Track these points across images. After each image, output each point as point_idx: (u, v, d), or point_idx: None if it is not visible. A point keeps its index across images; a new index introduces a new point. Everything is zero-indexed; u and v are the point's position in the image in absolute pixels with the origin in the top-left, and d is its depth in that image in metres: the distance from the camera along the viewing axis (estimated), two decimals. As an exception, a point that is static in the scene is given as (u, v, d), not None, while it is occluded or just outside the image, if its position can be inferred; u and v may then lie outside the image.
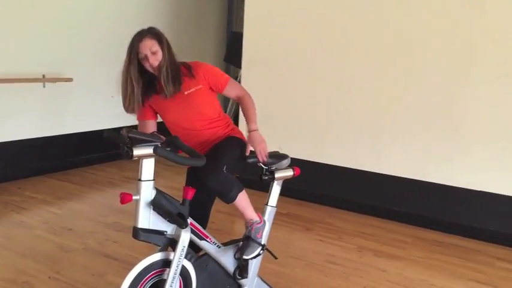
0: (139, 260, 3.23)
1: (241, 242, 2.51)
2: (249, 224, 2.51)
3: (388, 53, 4.26)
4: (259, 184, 2.66)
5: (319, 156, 4.63)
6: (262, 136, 2.44)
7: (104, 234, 3.68)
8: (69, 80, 5.17)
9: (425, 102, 4.14)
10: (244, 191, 2.46)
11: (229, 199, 2.40)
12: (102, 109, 5.73)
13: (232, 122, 2.67)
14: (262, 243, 2.52)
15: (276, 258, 2.66)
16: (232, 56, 6.20)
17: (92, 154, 5.67)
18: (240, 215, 2.51)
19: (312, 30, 4.59)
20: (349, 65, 4.46)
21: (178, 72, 2.37)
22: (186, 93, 2.39)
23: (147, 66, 2.34)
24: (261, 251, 2.51)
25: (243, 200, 2.46)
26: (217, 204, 3.30)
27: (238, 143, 2.54)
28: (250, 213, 2.50)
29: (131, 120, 6.27)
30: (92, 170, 5.47)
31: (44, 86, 5.02)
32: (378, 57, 4.31)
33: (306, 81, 4.69)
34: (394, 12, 4.19)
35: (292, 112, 4.80)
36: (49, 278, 2.95)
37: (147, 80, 2.41)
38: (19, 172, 4.92)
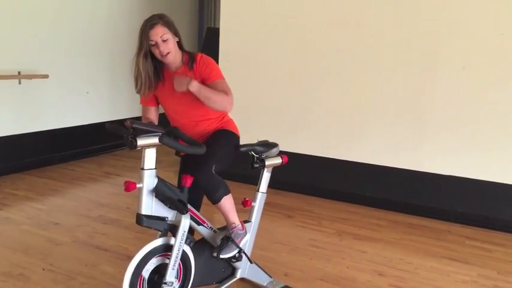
0: (128, 250, 3.35)
1: (219, 241, 2.55)
2: (231, 228, 2.58)
3: (358, 47, 4.45)
4: (247, 177, 2.78)
5: (295, 147, 4.78)
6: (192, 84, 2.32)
7: (91, 227, 3.74)
8: (45, 76, 5.16)
9: (395, 93, 4.37)
10: (230, 195, 2.54)
11: (214, 199, 2.50)
12: (78, 105, 5.75)
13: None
14: (241, 246, 2.58)
15: (251, 262, 2.76)
16: (208, 51, 6.29)
17: (68, 150, 5.68)
18: (223, 217, 2.59)
19: (287, 24, 4.74)
20: (321, 60, 4.64)
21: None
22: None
23: (156, 53, 2.41)
24: (237, 254, 2.58)
25: (227, 203, 2.54)
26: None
27: (231, 137, 2.64)
28: (233, 218, 2.58)
29: (107, 116, 6.32)
30: (70, 166, 5.47)
31: (19, 83, 5.00)
32: (348, 51, 4.50)
33: (281, 75, 4.85)
34: (363, 7, 4.38)
35: (267, 104, 4.95)
36: (43, 270, 3.00)
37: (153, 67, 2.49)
38: (-3, 169, 4.90)
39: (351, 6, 4.44)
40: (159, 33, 2.36)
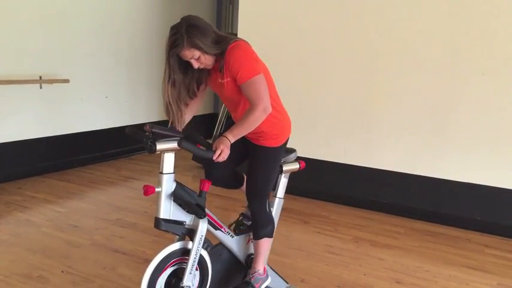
0: (146, 254, 3.38)
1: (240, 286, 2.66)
2: (251, 272, 2.64)
3: (379, 53, 4.43)
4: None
5: (312, 153, 4.77)
6: (228, 147, 2.16)
7: (109, 230, 3.78)
8: (66, 81, 5.24)
9: (413, 99, 4.33)
10: (271, 240, 2.64)
11: (257, 235, 2.59)
12: (98, 110, 5.83)
13: (280, 107, 2.59)
14: None
15: None
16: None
17: (87, 154, 5.74)
18: (254, 256, 2.67)
19: (304, 31, 4.75)
20: (339, 66, 4.63)
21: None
22: (220, 81, 2.31)
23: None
24: None
25: (264, 245, 2.62)
26: (214, 200, 3.44)
27: (276, 162, 2.58)
28: (259, 263, 2.64)
29: (126, 120, 6.38)
30: (88, 170, 5.54)
31: (40, 87, 5.09)
32: (367, 58, 4.48)
33: (298, 81, 4.84)
34: (384, 15, 4.37)
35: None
36: (62, 272, 3.05)
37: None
38: (17, 172, 4.97)
39: (369, 14, 4.42)
40: (187, 56, 2.17)
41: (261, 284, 2.64)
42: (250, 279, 2.62)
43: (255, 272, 2.63)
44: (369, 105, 4.55)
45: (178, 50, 2.14)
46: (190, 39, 2.12)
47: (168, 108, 2.28)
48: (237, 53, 2.21)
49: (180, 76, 2.26)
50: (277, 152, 2.55)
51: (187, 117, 2.43)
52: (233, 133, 2.19)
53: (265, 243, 2.61)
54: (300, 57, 4.80)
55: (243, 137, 2.30)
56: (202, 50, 2.16)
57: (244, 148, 2.51)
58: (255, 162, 2.53)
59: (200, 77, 2.36)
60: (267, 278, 2.69)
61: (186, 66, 2.26)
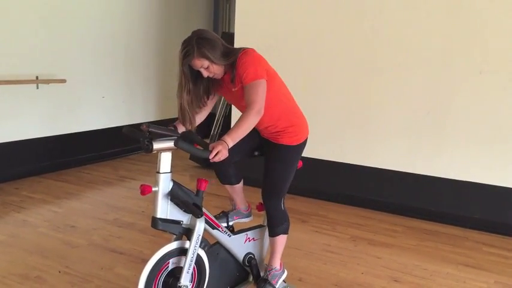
0: (143, 253, 3.38)
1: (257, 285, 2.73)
2: (268, 269, 2.73)
3: (377, 52, 4.44)
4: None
5: (310, 152, 4.75)
6: (226, 149, 2.15)
7: (107, 231, 3.77)
8: (63, 81, 5.23)
9: (411, 98, 4.34)
10: (286, 236, 2.72)
11: (273, 232, 2.66)
12: (95, 109, 5.82)
13: (295, 107, 2.74)
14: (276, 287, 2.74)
15: None
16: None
17: (84, 154, 5.74)
18: (270, 253, 2.75)
19: (301, 30, 4.75)
20: (337, 64, 4.63)
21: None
22: (233, 90, 2.44)
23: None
24: None
25: (280, 242, 2.70)
26: (212, 200, 3.43)
27: (294, 160, 2.66)
28: (276, 259, 2.73)
29: (122, 120, 6.37)
30: (85, 170, 5.53)
31: (37, 88, 5.07)
32: (366, 57, 4.49)
33: (295, 79, 4.80)
34: (382, 15, 4.37)
35: (283, 109, 4.94)
36: (59, 272, 3.04)
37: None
38: (15, 173, 4.96)
39: (367, 13, 4.43)
40: (197, 65, 2.31)
41: (278, 280, 2.74)
42: (267, 276, 2.70)
43: (272, 269, 2.72)
44: (367, 104, 4.55)
45: (189, 59, 2.28)
46: (200, 50, 2.26)
47: (183, 114, 2.41)
48: (246, 58, 2.36)
49: (192, 85, 2.39)
50: (297, 151, 2.66)
51: (197, 121, 2.53)
52: (231, 136, 2.22)
53: (281, 240, 2.70)
54: (297, 57, 4.80)
55: (258, 135, 2.47)
56: (210, 60, 2.30)
57: (255, 142, 2.62)
58: (274, 161, 2.60)
59: (209, 87, 2.51)
60: (283, 272, 2.79)
61: (196, 76, 2.40)
